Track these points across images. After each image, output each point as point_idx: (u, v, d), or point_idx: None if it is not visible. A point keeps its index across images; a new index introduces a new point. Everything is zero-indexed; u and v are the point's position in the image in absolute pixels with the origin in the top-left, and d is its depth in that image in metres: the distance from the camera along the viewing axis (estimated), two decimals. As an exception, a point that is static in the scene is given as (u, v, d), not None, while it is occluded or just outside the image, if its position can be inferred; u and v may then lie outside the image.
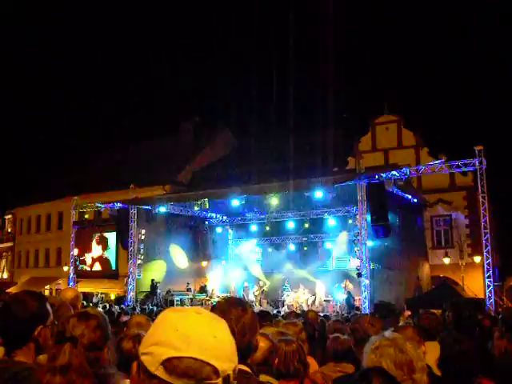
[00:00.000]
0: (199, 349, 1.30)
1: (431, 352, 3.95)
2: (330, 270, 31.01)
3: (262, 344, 3.22)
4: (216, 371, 1.30)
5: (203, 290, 31.65)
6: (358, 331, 4.21)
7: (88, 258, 32.81)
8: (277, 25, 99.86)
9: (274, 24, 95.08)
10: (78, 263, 32.79)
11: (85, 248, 33.12)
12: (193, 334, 1.32)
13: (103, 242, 32.29)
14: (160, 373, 1.30)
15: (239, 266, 34.20)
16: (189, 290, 31.25)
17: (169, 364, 1.29)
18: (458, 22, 79.95)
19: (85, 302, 25.33)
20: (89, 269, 32.96)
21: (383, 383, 2.31)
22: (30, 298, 2.77)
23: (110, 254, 32.67)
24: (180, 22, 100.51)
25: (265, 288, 30.40)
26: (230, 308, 2.56)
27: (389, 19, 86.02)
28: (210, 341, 1.32)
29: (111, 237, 32.18)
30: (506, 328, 5.89)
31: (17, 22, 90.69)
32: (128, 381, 2.30)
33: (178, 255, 31.92)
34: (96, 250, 32.63)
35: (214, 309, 2.63)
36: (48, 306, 2.80)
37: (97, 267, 32.89)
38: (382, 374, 2.39)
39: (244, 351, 2.52)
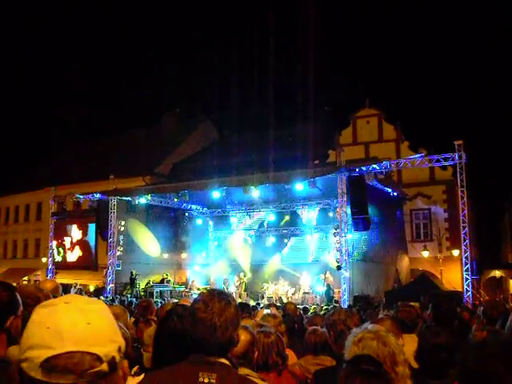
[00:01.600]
0: (74, 341, 1.25)
1: (408, 344, 3.98)
2: (309, 262, 31.08)
3: (243, 337, 3.21)
4: (98, 358, 1.26)
5: (167, 281, 31.44)
6: (337, 324, 4.21)
7: (67, 242, 32.49)
8: (259, 18, 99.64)
9: (256, 17, 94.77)
10: (56, 253, 32.50)
11: (63, 238, 32.85)
12: (64, 328, 1.26)
13: (84, 228, 31.99)
14: (41, 376, 1.24)
15: (219, 258, 34.22)
16: (168, 281, 31.19)
17: (47, 365, 1.24)
18: (439, 17, 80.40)
19: (63, 294, 25.16)
20: (69, 258, 32.64)
21: (371, 367, 2.33)
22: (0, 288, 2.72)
23: (90, 246, 32.47)
24: (161, 14, 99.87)
25: (245, 280, 30.39)
26: (213, 301, 2.52)
27: (369, 14, 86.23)
28: (84, 329, 1.27)
29: (91, 228, 31.97)
30: (486, 320, 5.93)
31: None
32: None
33: (154, 246, 31.79)
34: (76, 234, 32.34)
35: (197, 301, 2.60)
36: (18, 296, 2.75)
37: (76, 253, 32.54)
38: (369, 360, 2.42)
39: (225, 345, 2.51)
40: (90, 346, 1.26)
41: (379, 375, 2.33)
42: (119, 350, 1.33)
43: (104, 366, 1.27)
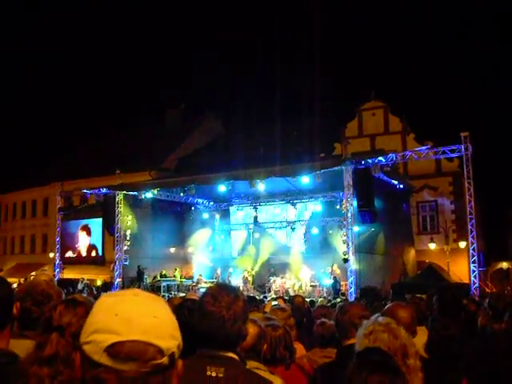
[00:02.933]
0: (141, 330, 1.29)
1: (418, 336, 3.98)
2: (316, 255, 31.06)
3: (251, 330, 3.21)
4: (160, 350, 1.30)
5: (174, 276, 31.56)
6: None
7: (79, 247, 32.73)
8: (264, 12, 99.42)
9: (262, 11, 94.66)
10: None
11: (71, 235, 33.00)
12: (133, 317, 1.30)
13: (86, 229, 32.12)
14: (104, 360, 1.28)
15: (225, 252, 34.24)
16: (175, 276, 31.27)
17: (112, 350, 1.27)
18: (444, 9, 79.99)
19: (71, 289, 25.31)
20: (75, 255, 32.87)
21: (380, 358, 2.32)
22: None
23: (97, 241, 32.54)
24: (167, 10, 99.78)
25: (252, 273, 30.42)
26: (222, 294, 2.54)
27: (375, 6, 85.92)
28: (151, 321, 1.31)
29: (97, 223, 32.06)
30: (492, 313, 5.90)
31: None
32: None
33: (160, 240, 31.79)
34: (83, 239, 32.50)
35: (206, 294, 2.60)
36: (12, 289, 2.79)
37: (84, 253, 32.84)
38: (379, 352, 2.41)
39: (233, 338, 2.51)
40: (156, 338, 1.29)
41: (388, 366, 2.31)
42: (178, 347, 1.37)
43: (165, 360, 1.31)
